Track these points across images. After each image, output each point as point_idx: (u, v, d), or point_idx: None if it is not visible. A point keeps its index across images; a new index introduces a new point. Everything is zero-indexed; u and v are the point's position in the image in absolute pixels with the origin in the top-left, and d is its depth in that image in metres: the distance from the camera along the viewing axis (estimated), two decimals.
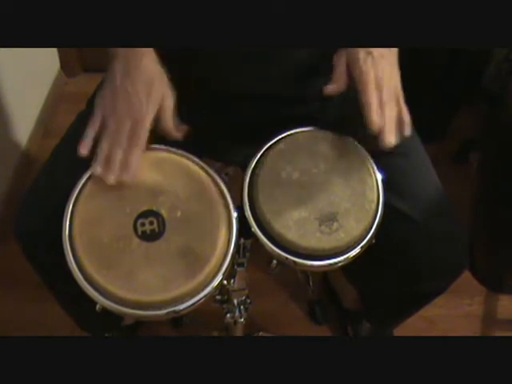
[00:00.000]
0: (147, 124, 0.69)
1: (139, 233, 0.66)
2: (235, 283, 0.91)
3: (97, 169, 0.68)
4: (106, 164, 0.68)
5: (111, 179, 0.67)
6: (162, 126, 0.71)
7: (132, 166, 0.68)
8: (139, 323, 1.26)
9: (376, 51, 0.71)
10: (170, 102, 0.71)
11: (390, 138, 0.69)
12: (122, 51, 0.71)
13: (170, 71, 0.75)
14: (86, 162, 0.69)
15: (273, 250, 0.70)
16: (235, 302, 0.95)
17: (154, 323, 1.26)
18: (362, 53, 0.71)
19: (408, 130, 0.73)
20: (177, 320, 1.27)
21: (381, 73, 0.71)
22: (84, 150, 0.69)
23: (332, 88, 0.73)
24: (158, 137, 0.73)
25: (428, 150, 0.87)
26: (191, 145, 0.72)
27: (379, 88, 0.70)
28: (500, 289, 1.42)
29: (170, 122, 0.71)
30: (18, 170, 1.54)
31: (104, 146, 0.68)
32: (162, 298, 0.64)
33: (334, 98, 0.74)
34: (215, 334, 1.16)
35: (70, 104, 1.49)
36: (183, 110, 0.74)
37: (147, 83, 0.70)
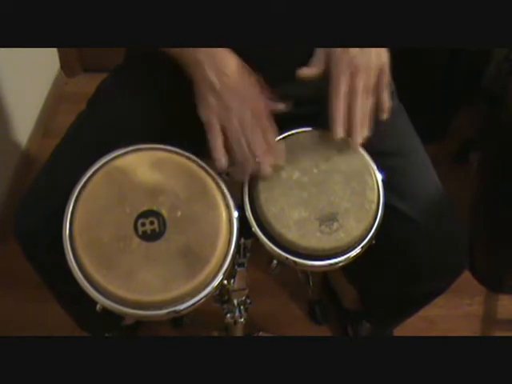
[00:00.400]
0: (265, 106, 0.72)
1: (140, 233, 0.66)
2: (235, 283, 0.91)
3: (246, 171, 0.71)
4: (254, 162, 0.70)
5: (268, 170, 0.71)
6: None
7: (278, 149, 0.72)
8: (139, 323, 1.25)
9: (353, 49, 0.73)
10: (263, 83, 0.74)
11: (357, 140, 0.72)
12: (202, 58, 0.72)
13: (169, 72, 0.75)
14: (86, 162, 0.69)
15: (273, 249, 0.70)
16: (235, 302, 0.95)
17: (154, 323, 1.26)
18: (338, 50, 0.73)
19: (384, 116, 0.74)
20: (177, 320, 1.27)
21: (355, 68, 0.72)
22: (224, 160, 0.70)
23: (306, 71, 0.74)
24: (159, 138, 0.73)
25: (428, 150, 0.87)
26: (192, 145, 0.72)
27: (352, 89, 0.72)
28: (500, 289, 1.42)
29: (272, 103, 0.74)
30: (18, 170, 1.54)
31: (239, 147, 0.70)
32: (162, 297, 0.64)
33: None
34: (215, 333, 1.15)
35: (70, 104, 1.49)
36: (184, 109, 0.74)
37: (240, 73, 0.72)
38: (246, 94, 0.72)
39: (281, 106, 0.74)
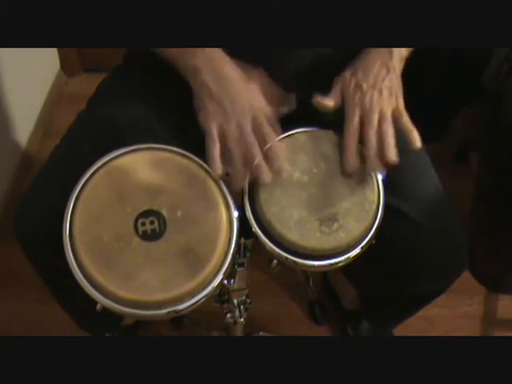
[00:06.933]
0: (266, 108, 0.71)
1: (140, 232, 0.66)
2: (235, 283, 0.91)
3: (239, 183, 0.69)
4: (254, 168, 0.69)
5: (266, 179, 0.69)
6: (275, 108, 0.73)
7: (278, 154, 0.70)
8: (139, 323, 1.25)
9: (366, 83, 0.74)
10: (266, 85, 0.74)
11: (369, 169, 0.72)
12: (200, 65, 0.72)
13: (169, 72, 0.75)
14: (86, 162, 0.69)
15: (273, 249, 0.70)
16: (235, 302, 0.95)
17: (154, 323, 1.26)
18: (351, 86, 0.74)
19: (416, 143, 0.74)
20: (177, 320, 1.27)
21: (367, 103, 0.73)
22: (220, 169, 0.69)
23: (324, 102, 0.74)
24: (159, 138, 0.73)
25: (428, 150, 0.87)
26: (192, 144, 0.72)
27: (364, 120, 0.72)
28: (500, 289, 1.42)
29: (277, 101, 0.74)
30: (18, 170, 1.54)
31: (233, 161, 0.69)
32: (162, 297, 0.64)
33: None
34: (215, 333, 1.16)
35: (69, 104, 1.49)
36: (185, 110, 0.74)
37: (240, 79, 0.72)
38: (246, 101, 0.71)
39: (285, 109, 0.74)
